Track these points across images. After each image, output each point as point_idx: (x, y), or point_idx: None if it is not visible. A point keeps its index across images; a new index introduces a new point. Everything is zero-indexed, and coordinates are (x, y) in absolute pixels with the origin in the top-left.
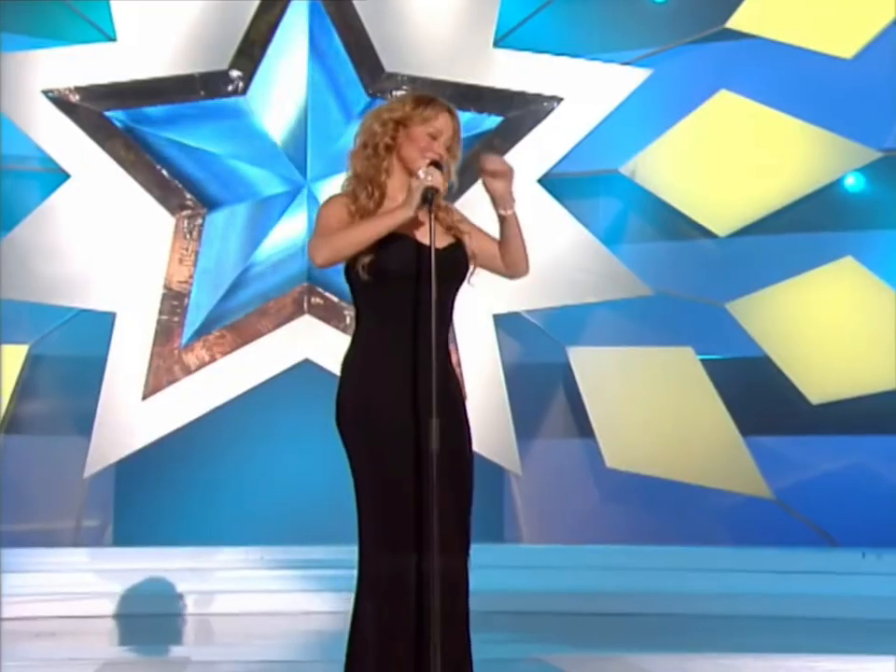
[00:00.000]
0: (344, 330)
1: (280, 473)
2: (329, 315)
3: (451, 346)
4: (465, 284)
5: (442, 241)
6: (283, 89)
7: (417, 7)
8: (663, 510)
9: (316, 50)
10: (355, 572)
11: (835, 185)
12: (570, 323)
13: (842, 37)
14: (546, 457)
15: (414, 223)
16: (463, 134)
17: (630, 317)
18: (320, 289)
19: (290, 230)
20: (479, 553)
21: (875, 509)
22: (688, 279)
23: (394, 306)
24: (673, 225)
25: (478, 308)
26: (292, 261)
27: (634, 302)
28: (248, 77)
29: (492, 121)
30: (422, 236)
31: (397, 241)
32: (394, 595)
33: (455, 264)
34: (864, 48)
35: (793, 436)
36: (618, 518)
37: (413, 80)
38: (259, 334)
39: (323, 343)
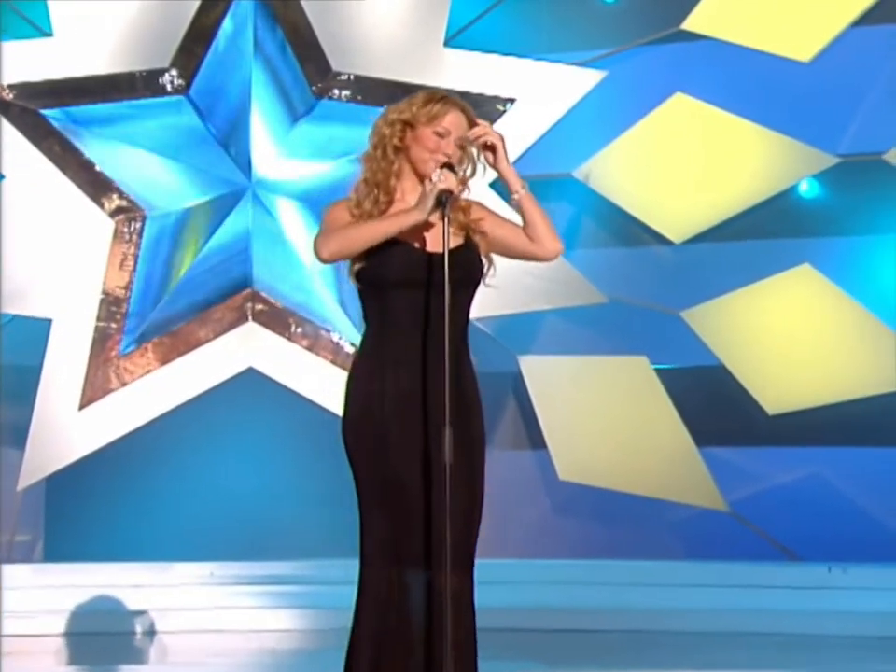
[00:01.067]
0: (290, 338)
1: (226, 485)
2: (273, 322)
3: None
4: (480, 286)
5: (450, 244)
6: (226, 88)
7: (366, 5)
8: (616, 523)
9: (261, 49)
10: (354, 589)
11: (792, 191)
12: (522, 331)
13: (799, 40)
14: (497, 469)
15: (417, 227)
16: None
17: (583, 325)
18: (265, 295)
19: (234, 233)
20: None
21: (834, 522)
22: (642, 286)
23: (394, 314)
24: (627, 231)
25: None
26: (236, 266)
27: (587, 310)
28: (190, 76)
29: None
30: (422, 241)
31: (394, 247)
32: (397, 612)
33: (462, 268)
34: (822, 51)
35: (750, 447)
36: (571, 532)
37: (361, 80)
38: (200, 342)
39: (268, 352)
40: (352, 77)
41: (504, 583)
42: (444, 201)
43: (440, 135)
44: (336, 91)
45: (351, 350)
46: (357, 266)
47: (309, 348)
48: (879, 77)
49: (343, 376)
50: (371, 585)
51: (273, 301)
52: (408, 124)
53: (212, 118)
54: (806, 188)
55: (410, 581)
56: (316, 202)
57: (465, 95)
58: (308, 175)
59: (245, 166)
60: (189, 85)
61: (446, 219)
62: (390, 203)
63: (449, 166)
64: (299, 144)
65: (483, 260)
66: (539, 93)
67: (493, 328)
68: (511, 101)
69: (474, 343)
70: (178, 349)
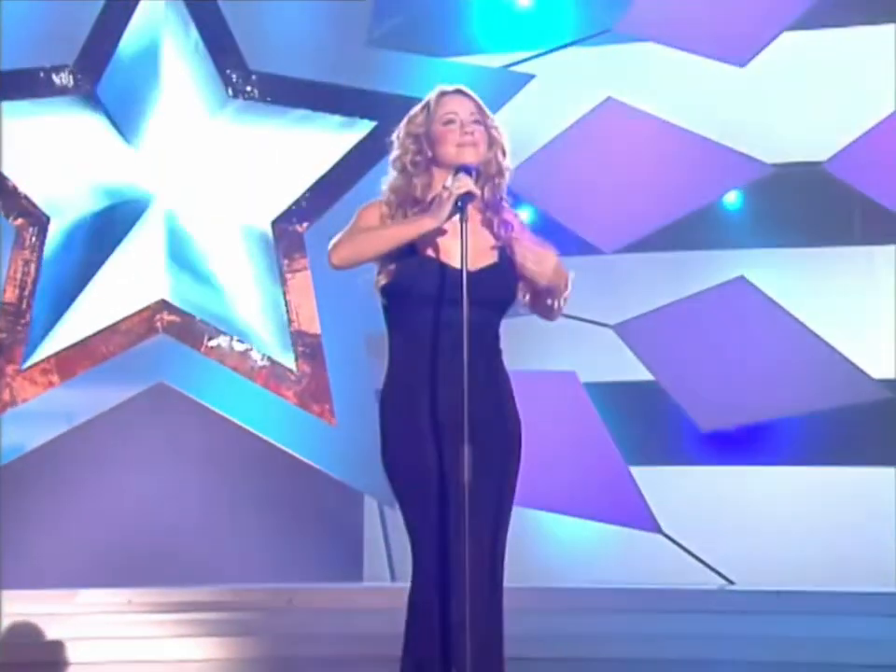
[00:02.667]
0: (203, 351)
1: (139, 506)
2: (185, 334)
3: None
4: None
5: (481, 260)
6: (135, 86)
7: (286, 2)
8: (544, 544)
9: (173, 46)
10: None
11: (727, 200)
12: None
13: (735, 44)
14: None
15: (449, 234)
16: (333, 138)
17: (511, 338)
18: (176, 305)
19: (143, 241)
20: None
21: (771, 544)
22: (572, 298)
23: (423, 332)
24: (556, 240)
25: (349, 328)
26: (145, 275)
27: (514, 322)
28: (97, 74)
29: (364, 126)
30: (448, 255)
31: (418, 260)
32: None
33: (489, 289)
34: (757, 55)
35: (683, 466)
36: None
37: (279, 80)
38: (108, 355)
39: (179, 365)
40: (269, 76)
41: None
42: (462, 205)
43: (450, 122)
44: (253, 91)
45: (266, 364)
46: (383, 281)
47: (223, 362)
48: (817, 82)
49: (259, 392)
50: (420, 609)
51: (184, 311)
52: (416, 136)
53: (120, 118)
54: (734, 199)
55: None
56: (230, 208)
57: (389, 98)
58: (222, 180)
59: (156, 170)
60: (95, 83)
61: (464, 225)
62: (424, 212)
63: (465, 169)
64: (213, 146)
65: (520, 281)
66: None
67: None
68: None
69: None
70: (84, 363)
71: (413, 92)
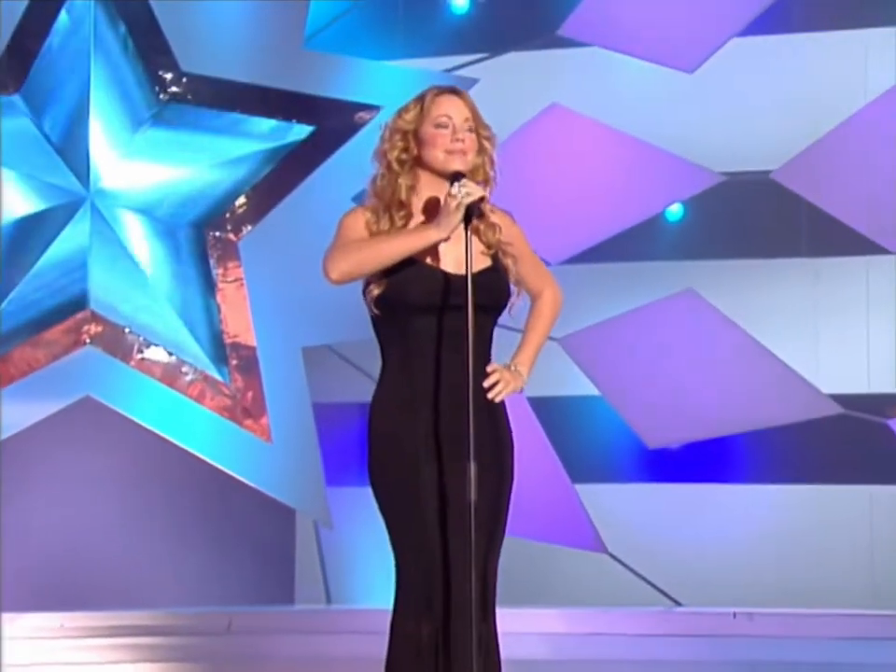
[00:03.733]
0: (132, 364)
1: (67, 525)
2: (113, 345)
3: None
4: (505, 312)
5: (475, 264)
6: (62, 88)
7: (220, 3)
8: None
9: (101, 46)
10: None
11: (675, 210)
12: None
13: (683, 51)
14: (360, 508)
15: (443, 247)
16: (267, 145)
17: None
18: (104, 316)
19: (70, 248)
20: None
21: (719, 565)
22: (516, 310)
23: (416, 343)
24: None
25: (284, 339)
26: (72, 284)
27: None
28: (22, 74)
29: (302, 130)
30: (448, 262)
31: (415, 269)
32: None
33: (487, 293)
34: (706, 61)
35: (629, 483)
36: None
37: (212, 82)
38: (32, 368)
39: (106, 378)
40: (202, 78)
41: (364, 633)
42: (474, 214)
43: (442, 126)
44: (184, 94)
45: (198, 377)
46: (375, 291)
47: (153, 375)
48: (767, 90)
49: (191, 407)
50: (401, 634)
51: (113, 322)
52: (405, 132)
53: (46, 120)
54: (676, 209)
55: (438, 627)
56: (161, 214)
57: (327, 102)
58: (153, 185)
59: (83, 174)
60: (20, 84)
61: (467, 235)
62: (409, 216)
63: (461, 174)
64: (142, 150)
65: (512, 286)
66: (405, 100)
67: (355, 354)
68: (377, 108)
69: (329, 370)
70: (8, 375)
71: (351, 96)
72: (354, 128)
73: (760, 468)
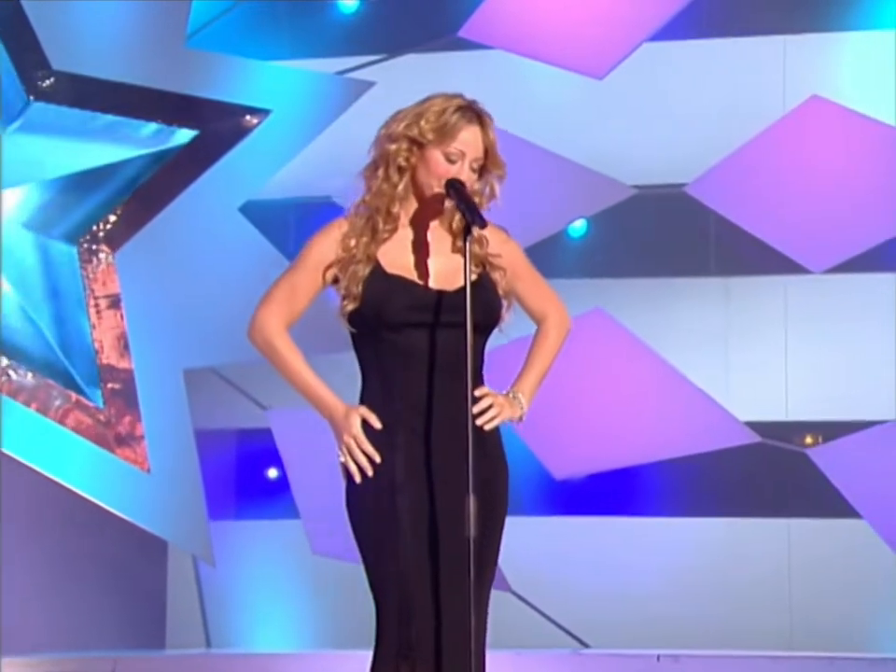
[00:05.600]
0: (48, 414)
1: None
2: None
3: None
4: (495, 331)
5: (456, 279)
6: None
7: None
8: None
9: None
10: None
11: (583, 225)
12: (273, 381)
13: (591, 55)
14: (244, 543)
15: (422, 253)
16: (147, 150)
17: (344, 375)
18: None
19: None
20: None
21: (629, 604)
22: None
23: (397, 365)
24: None
25: (164, 361)
26: None
27: (351, 358)
28: None
29: (184, 135)
30: (429, 275)
31: (388, 280)
32: None
33: (475, 308)
34: (616, 68)
35: (534, 516)
36: (330, 618)
37: (86, 81)
38: None
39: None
40: (75, 77)
41: None
42: (472, 223)
43: (451, 161)
44: (55, 94)
45: (70, 402)
46: (349, 307)
47: (20, 399)
48: (681, 98)
49: (60, 432)
50: None
51: (26, 371)
52: (414, 142)
53: None
54: (580, 225)
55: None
56: (30, 225)
57: (213, 104)
58: (21, 193)
59: None
60: None
61: (466, 245)
62: (394, 230)
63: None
64: (10, 154)
65: (503, 300)
66: (298, 105)
67: (241, 377)
68: (266, 112)
69: (213, 394)
70: None
71: (237, 99)
72: (240, 132)
73: (672, 499)
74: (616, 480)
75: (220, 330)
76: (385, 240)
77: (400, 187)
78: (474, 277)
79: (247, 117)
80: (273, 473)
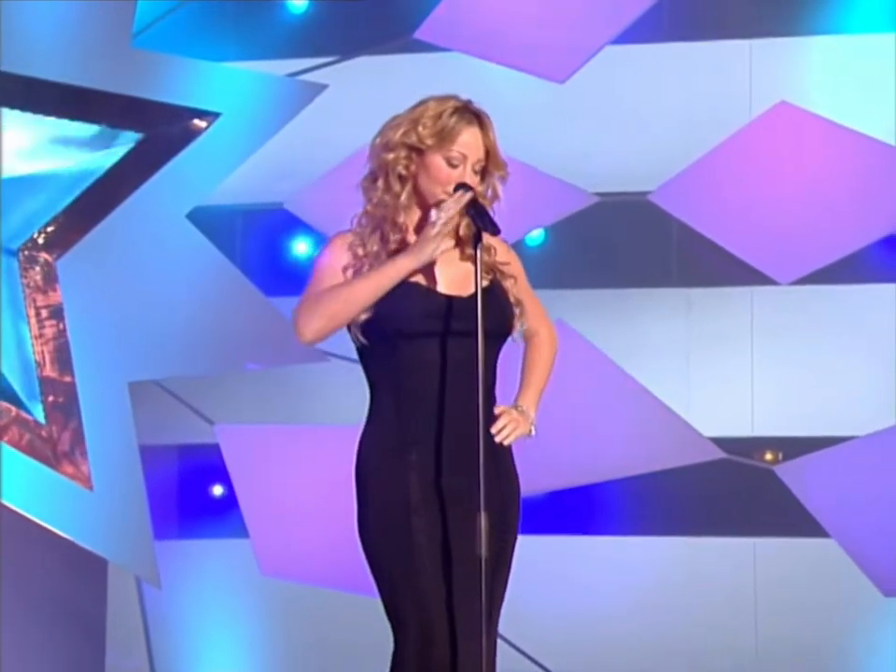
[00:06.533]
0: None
1: None
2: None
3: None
4: (508, 339)
5: (467, 286)
6: None
7: None
8: (330, 630)
9: None
10: None
11: (542, 235)
12: (221, 395)
13: (552, 58)
14: (192, 564)
15: (431, 261)
16: (89, 154)
17: (296, 390)
18: None
19: None
20: None
21: (593, 628)
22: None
23: (411, 376)
24: None
25: (108, 374)
26: None
27: (301, 371)
28: None
29: (129, 138)
30: (437, 283)
31: (402, 288)
32: None
33: (490, 315)
34: (578, 71)
35: None
36: (281, 642)
37: (23, 82)
38: None
39: None
40: (12, 77)
41: None
42: (482, 229)
43: (453, 165)
44: None
45: (8, 416)
46: (362, 316)
47: None
48: (646, 102)
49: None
50: None
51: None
52: (414, 149)
53: None
54: (538, 234)
55: None
56: None
57: (159, 106)
58: None
59: None
60: None
61: (478, 252)
62: (402, 240)
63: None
64: None
65: (515, 308)
66: (248, 107)
67: (186, 391)
68: (215, 115)
69: (159, 409)
70: None
71: (185, 101)
72: (188, 136)
73: (634, 518)
74: (576, 497)
75: (166, 342)
76: (393, 251)
77: (403, 196)
78: (486, 284)
79: (195, 120)
80: (218, 490)
